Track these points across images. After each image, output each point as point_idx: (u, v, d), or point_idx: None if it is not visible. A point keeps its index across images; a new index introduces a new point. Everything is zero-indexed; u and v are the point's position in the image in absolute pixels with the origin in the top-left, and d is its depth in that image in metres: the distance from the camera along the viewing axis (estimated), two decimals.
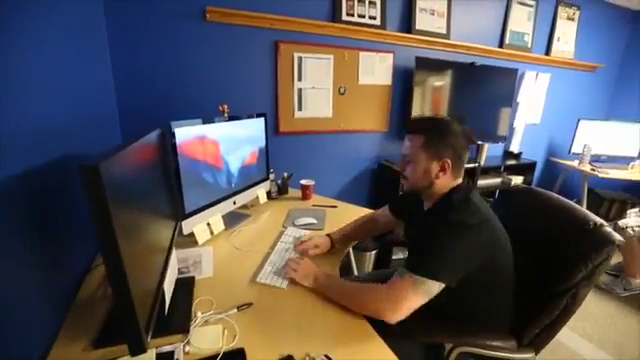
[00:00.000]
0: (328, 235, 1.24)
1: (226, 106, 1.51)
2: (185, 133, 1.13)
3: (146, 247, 0.73)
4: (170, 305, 0.82)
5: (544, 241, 1.02)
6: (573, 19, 2.92)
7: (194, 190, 1.19)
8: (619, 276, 2.23)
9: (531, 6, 2.68)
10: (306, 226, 1.43)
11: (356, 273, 1.71)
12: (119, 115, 1.55)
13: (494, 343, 0.93)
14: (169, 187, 1.07)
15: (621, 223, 2.12)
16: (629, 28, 3.28)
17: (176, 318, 0.82)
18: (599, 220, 0.94)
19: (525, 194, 1.23)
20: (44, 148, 0.81)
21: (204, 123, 1.22)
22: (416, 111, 2.31)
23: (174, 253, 0.95)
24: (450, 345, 0.90)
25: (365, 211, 1.50)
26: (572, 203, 1.07)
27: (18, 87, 0.73)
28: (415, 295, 0.80)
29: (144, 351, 0.61)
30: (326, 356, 0.73)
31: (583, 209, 1.02)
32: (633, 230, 2.05)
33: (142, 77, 1.61)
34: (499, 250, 0.90)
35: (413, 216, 1.10)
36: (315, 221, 1.47)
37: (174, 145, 1.09)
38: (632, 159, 2.84)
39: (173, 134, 1.08)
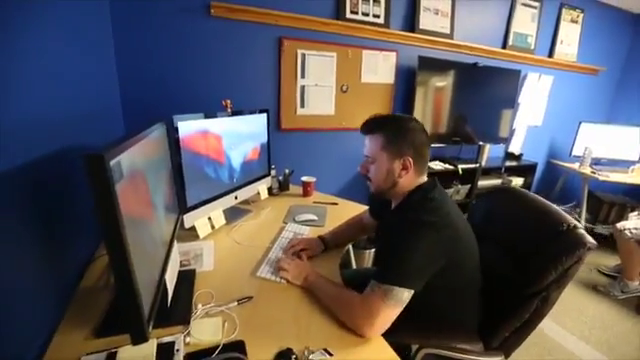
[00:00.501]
0: (321, 237, 1.22)
1: (229, 101, 1.51)
2: (188, 127, 1.13)
3: (149, 239, 0.73)
4: (172, 297, 0.83)
5: (518, 242, 1.00)
6: (577, 22, 2.92)
7: (196, 184, 1.20)
8: (617, 278, 2.25)
9: (535, 7, 2.67)
10: (306, 222, 1.43)
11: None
12: (122, 109, 1.55)
13: (460, 345, 0.91)
14: (171, 180, 1.07)
15: (619, 225, 2.13)
16: (631, 31, 3.28)
17: (177, 309, 0.83)
18: (573, 222, 0.91)
19: (502, 194, 1.20)
20: (46, 140, 0.81)
21: (207, 118, 1.23)
22: (418, 110, 2.31)
23: (176, 246, 0.96)
24: (416, 346, 0.89)
25: (365, 208, 1.50)
26: (549, 203, 1.02)
27: (21, 79, 0.73)
28: (387, 307, 0.78)
29: (146, 341, 0.61)
30: (325, 349, 0.74)
31: (560, 210, 0.98)
32: (631, 232, 2.05)
33: (146, 71, 1.61)
34: (462, 248, 0.87)
35: (383, 216, 1.08)
36: (316, 218, 1.47)
37: (177, 139, 1.09)
38: (632, 163, 2.84)
39: (176, 128, 1.08)
